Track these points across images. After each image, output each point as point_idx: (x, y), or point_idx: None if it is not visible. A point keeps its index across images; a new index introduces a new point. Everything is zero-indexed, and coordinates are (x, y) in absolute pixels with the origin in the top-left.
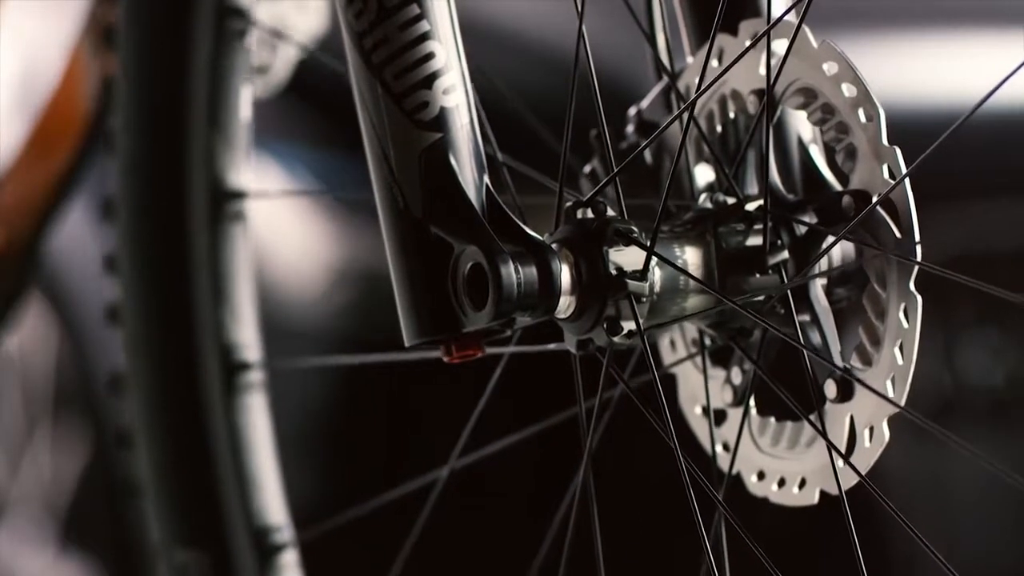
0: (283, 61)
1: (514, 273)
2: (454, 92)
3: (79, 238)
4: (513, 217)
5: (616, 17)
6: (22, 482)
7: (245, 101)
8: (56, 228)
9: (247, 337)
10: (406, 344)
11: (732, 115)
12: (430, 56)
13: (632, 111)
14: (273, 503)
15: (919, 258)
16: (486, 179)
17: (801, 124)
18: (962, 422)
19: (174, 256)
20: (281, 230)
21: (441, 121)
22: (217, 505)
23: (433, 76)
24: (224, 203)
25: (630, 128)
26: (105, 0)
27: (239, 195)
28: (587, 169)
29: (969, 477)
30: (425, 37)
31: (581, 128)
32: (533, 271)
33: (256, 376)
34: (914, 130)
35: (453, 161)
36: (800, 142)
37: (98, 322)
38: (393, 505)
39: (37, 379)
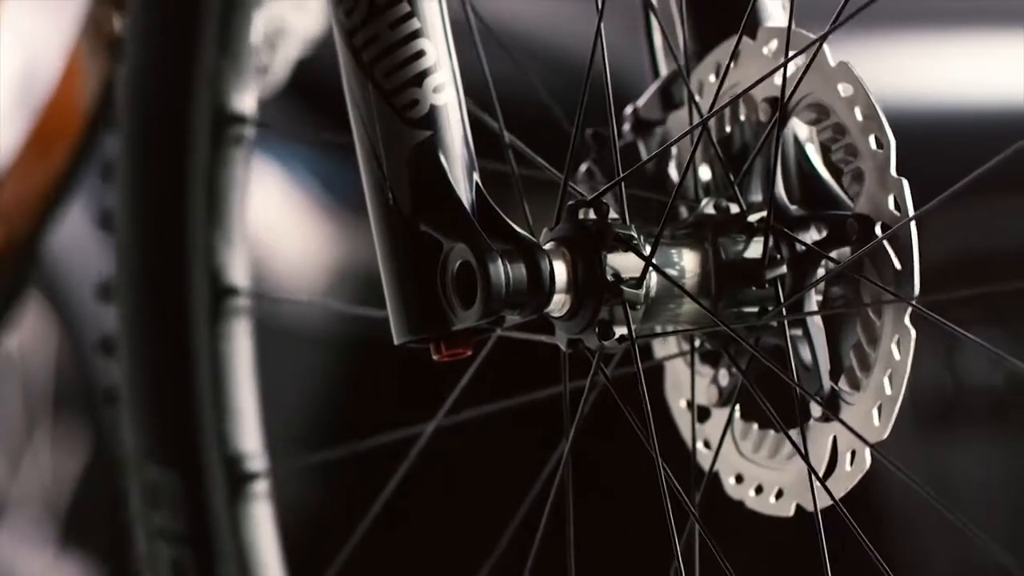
0: (283, 61)
1: (503, 271)
2: (444, 90)
3: (79, 238)
4: (503, 216)
5: (610, 16)
6: (22, 482)
7: (256, 26)
8: (55, 228)
9: (236, 261)
10: (395, 342)
11: (743, 118)
12: (420, 54)
13: (628, 109)
14: (249, 431)
15: (916, 295)
16: (476, 177)
17: (811, 138)
18: (962, 423)
19: (172, 170)
20: (281, 230)
21: (431, 119)
22: (192, 425)
23: (423, 74)
24: (226, 125)
25: (627, 127)
26: (104, 0)
27: (242, 119)
28: (582, 168)
29: (970, 477)
30: (415, 35)
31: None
32: (522, 269)
33: (243, 303)
34: (912, 131)
35: (443, 159)
36: (807, 156)
37: (98, 322)
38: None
39: (37, 379)
